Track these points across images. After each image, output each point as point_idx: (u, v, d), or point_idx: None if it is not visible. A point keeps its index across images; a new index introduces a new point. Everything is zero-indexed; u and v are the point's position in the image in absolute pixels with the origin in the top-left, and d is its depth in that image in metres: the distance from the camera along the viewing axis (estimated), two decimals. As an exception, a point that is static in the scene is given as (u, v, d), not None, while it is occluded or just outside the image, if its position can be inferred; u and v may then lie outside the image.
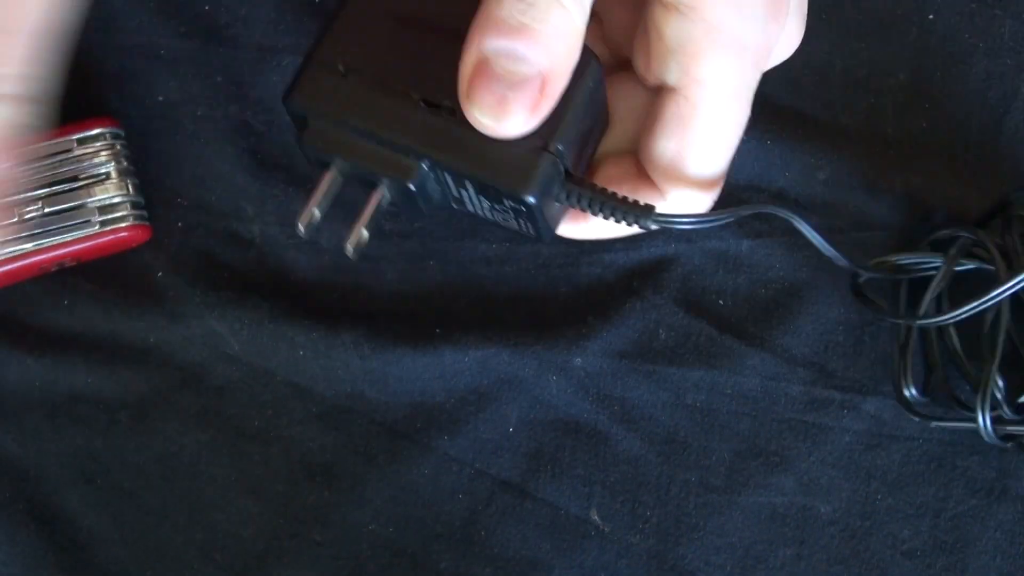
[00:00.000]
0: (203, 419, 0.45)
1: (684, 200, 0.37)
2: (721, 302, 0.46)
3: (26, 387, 0.45)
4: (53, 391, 0.45)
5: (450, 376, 0.45)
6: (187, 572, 0.45)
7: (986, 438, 0.42)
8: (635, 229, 0.37)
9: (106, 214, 0.43)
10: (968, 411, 0.43)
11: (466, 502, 0.45)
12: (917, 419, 0.44)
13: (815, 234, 0.39)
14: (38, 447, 0.45)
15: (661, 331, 0.45)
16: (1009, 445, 0.43)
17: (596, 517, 0.45)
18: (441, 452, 0.45)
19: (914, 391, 0.44)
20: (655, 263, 0.46)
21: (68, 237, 0.43)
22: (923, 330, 0.44)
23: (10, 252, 0.41)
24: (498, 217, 0.37)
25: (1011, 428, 0.42)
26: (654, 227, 0.37)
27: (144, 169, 0.46)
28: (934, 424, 0.44)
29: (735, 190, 0.46)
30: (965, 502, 0.44)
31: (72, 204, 0.43)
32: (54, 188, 0.43)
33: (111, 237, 0.44)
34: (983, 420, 0.42)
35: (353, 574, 0.45)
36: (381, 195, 0.35)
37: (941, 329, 0.43)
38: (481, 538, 0.45)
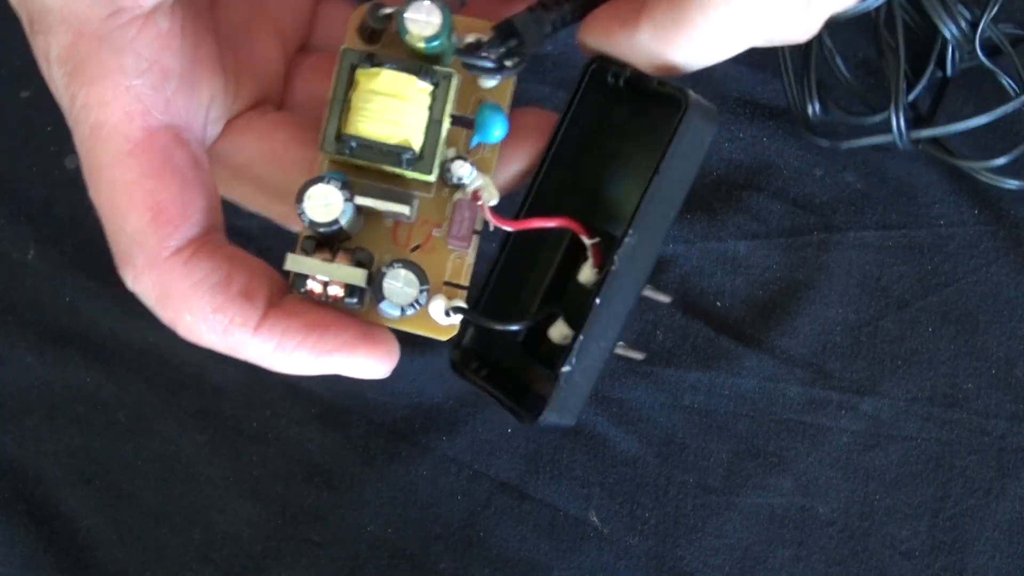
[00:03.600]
0: (202, 419, 0.45)
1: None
2: (719, 303, 0.46)
3: (25, 387, 0.45)
4: (52, 391, 0.45)
5: (449, 376, 0.45)
6: (186, 573, 0.45)
7: (900, 143, 0.42)
8: None
9: None
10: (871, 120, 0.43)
11: (465, 503, 0.45)
12: (825, 143, 0.44)
13: None
14: (37, 447, 0.45)
15: (659, 332, 0.46)
16: (920, 147, 0.44)
17: (595, 518, 0.45)
18: (440, 453, 0.45)
19: (817, 106, 0.44)
20: (653, 264, 0.46)
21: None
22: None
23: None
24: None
25: (922, 132, 0.42)
26: None
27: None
28: (845, 146, 0.44)
29: (734, 188, 0.46)
30: (963, 502, 0.44)
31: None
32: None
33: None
34: (897, 120, 0.41)
35: (352, 575, 0.45)
36: None
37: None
38: (480, 539, 0.45)
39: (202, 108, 0.32)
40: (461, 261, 0.33)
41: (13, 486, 0.45)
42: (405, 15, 0.31)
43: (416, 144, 0.31)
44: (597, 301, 0.32)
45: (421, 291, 0.31)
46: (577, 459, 0.45)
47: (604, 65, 0.33)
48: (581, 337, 0.32)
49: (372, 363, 0.32)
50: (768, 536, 0.44)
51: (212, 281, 0.31)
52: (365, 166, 0.32)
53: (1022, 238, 0.45)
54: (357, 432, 0.45)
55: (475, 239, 0.33)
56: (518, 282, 0.36)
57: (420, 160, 0.31)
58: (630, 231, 0.31)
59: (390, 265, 0.31)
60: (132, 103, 0.30)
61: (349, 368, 0.32)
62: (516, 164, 0.34)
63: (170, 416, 0.45)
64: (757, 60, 0.47)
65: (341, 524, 0.45)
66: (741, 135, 0.46)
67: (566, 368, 0.32)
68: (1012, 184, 0.44)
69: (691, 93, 0.32)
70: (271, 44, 0.34)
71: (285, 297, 0.32)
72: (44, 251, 0.47)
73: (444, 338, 0.33)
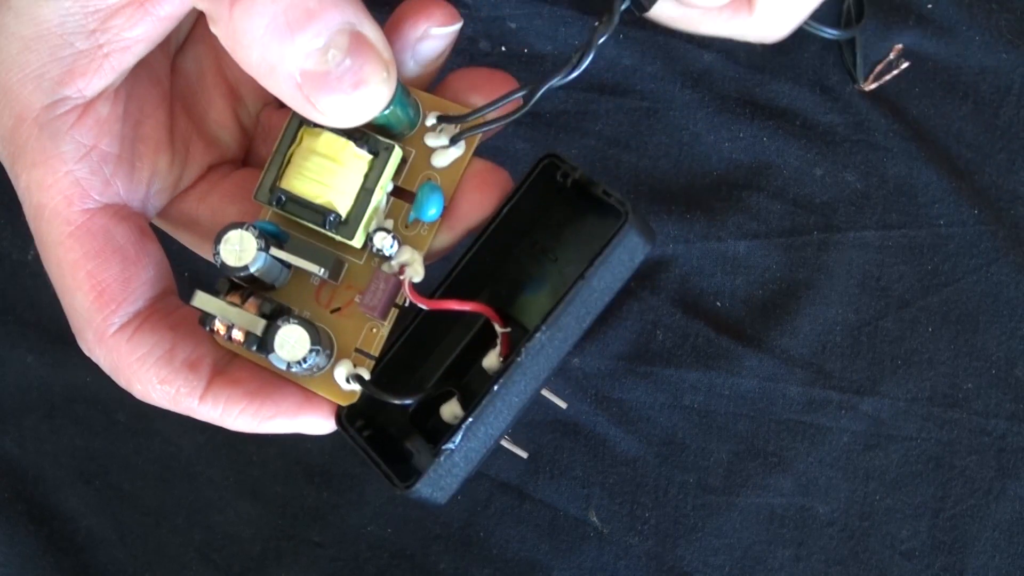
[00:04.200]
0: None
1: (768, 20, 0.33)
2: (719, 303, 0.46)
3: (25, 387, 0.45)
4: (52, 391, 0.45)
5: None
6: (185, 573, 0.45)
7: None
8: None
9: None
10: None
11: (465, 503, 0.45)
12: None
13: None
14: (37, 448, 0.45)
15: (659, 332, 0.46)
16: None
17: (595, 518, 0.45)
18: (440, 453, 0.45)
19: None
20: (652, 264, 0.46)
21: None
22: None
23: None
24: None
25: None
26: None
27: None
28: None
29: (734, 188, 0.46)
30: (963, 502, 0.44)
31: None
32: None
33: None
34: None
35: (352, 575, 0.45)
36: None
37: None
38: (480, 539, 0.45)
39: (142, 185, 0.33)
40: (375, 332, 0.33)
41: (13, 486, 0.45)
42: None
43: (342, 208, 0.32)
44: (495, 387, 0.32)
45: (311, 351, 0.31)
46: (577, 459, 0.45)
47: (556, 163, 0.34)
48: (470, 419, 0.32)
49: (313, 423, 0.33)
50: (768, 536, 0.44)
51: (156, 355, 0.32)
52: (301, 223, 0.32)
53: (1022, 238, 0.45)
54: (357, 432, 0.45)
55: (393, 312, 0.33)
56: (422, 355, 0.36)
57: (345, 224, 0.32)
58: (543, 327, 0.32)
59: (287, 319, 0.31)
60: (71, 187, 0.31)
61: (292, 429, 0.33)
62: (465, 220, 0.34)
63: (170, 416, 0.45)
64: (756, 61, 0.47)
65: (341, 524, 0.45)
66: (741, 135, 0.46)
67: (449, 446, 0.32)
68: (830, 33, 0.45)
69: (632, 208, 0.32)
70: (225, 107, 0.35)
71: (233, 362, 0.33)
72: (44, 251, 0.47)
73: (344, 403, 0.33)
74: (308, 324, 0.31)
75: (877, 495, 0.44)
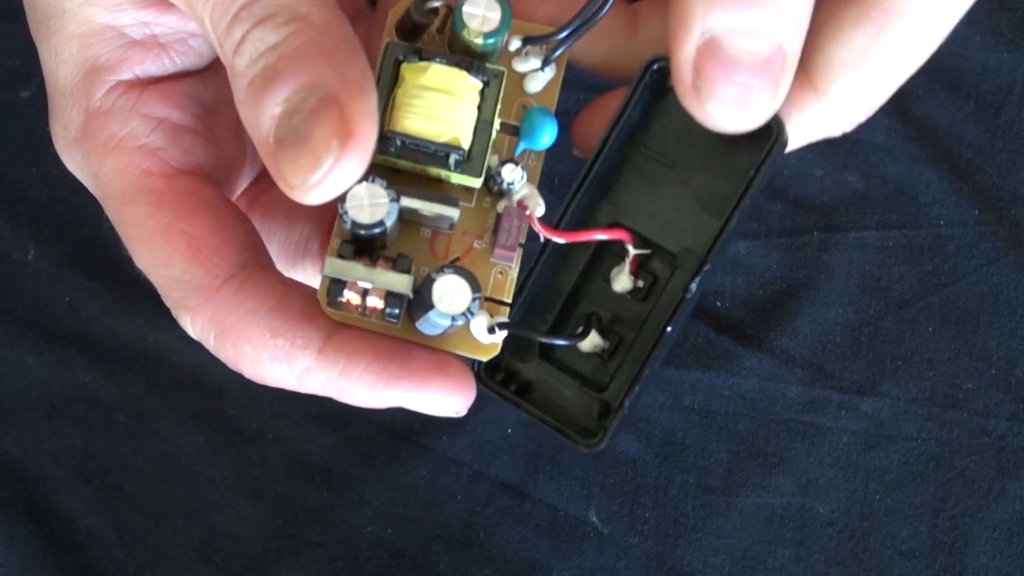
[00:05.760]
0: (202, 419, 0.45)
1: (842, 107, 0.29)
2: (719, 303, 0.46)
3: (25, 387, 0.45)
4: (52, 391, 0.45)
5: (449, 377, 0.45)
6: (186, 573, 0.45)
7: None
8: None
9: None
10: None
11: (465, 503, 0.45)
12: None
13: None
14: (37, 447, 0.45)
15: (659, 332, 0.46)
16: None
17: (595, 518, 0.45)
18: (440, 453, 0.45)
19: None
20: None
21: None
22: None
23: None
24: None
25: None
26: None
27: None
28: None
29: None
30: (964, 502, 0.44)
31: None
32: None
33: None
34: None
35: (352, 575, 0.45)
36: None
37: None
38: (480, 539, 0.45)
39: (224, 163, 0.32)
40: (504, 276, 0.30)
41: (13, 486, 0.45)
42: (464, 9, 0.29)
43: (466, 144, 0.29)
44: (668, 329, 0.30)
45: (474, 299, 0.28)
46: (577, 459, 0.45)
47: (666, 67, 0.30)
48: (646, 370, 0.30)
49: (445, 397, 0.30)
50: (768, 536, 0.44)
51: (268, 306, 0.29)
52: (407, 169, 0.30)
53: (1022, 238, 0.45)
54: (357, 432, 0.45)
55: (519, 252, 0.30)
56: (544, 288, 0.33)
57: (468, 162, 0.29)
58: (708, 261, 0.30)
59: (440, 271, 0.28)
60: (147, 159, 0.30)
61: (420, 400, 0.30)
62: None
63: (170, 416, 0.45)
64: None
65: (341, 524, 0.45)
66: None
67: (630, 398, 0.30)
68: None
69: (784, 122, 0.30)
70: None
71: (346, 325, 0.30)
72: (44, 251, 0.47)
73: (485, 358, 0.30)
74: (463, 271, 0.28)
75: (877, 495, 0.44)
